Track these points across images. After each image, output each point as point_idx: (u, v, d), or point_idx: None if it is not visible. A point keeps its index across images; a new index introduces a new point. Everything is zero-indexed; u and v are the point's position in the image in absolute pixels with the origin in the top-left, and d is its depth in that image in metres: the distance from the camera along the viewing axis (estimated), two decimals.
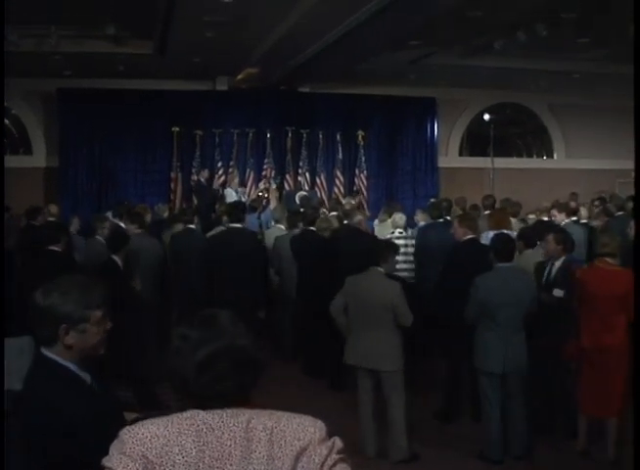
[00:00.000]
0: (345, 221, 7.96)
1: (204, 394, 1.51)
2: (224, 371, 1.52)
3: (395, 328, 4.82)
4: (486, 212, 8.51)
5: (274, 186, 13.37)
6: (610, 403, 4.76)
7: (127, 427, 1.48)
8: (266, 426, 1.48)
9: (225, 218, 7.73)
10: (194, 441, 1.44)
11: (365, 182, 14.54)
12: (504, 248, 4.92)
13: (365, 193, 14.46)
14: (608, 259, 4.82)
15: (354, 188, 14.32)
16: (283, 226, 7.93)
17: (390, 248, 5.33)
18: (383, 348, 4.81)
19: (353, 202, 10.44)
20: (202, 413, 1.49)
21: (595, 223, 8.64)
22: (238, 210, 6.60)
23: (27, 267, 5.45)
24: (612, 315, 4.71)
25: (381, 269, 4.99)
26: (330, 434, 1.53)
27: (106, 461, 1.45)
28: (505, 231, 6.74)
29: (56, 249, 5.63)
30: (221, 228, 7.66)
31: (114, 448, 1.46)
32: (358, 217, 6.59)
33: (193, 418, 1.48)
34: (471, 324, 4.91)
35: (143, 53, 11.24)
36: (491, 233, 6.64)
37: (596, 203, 10.91)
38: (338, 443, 1.51)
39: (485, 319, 4.77)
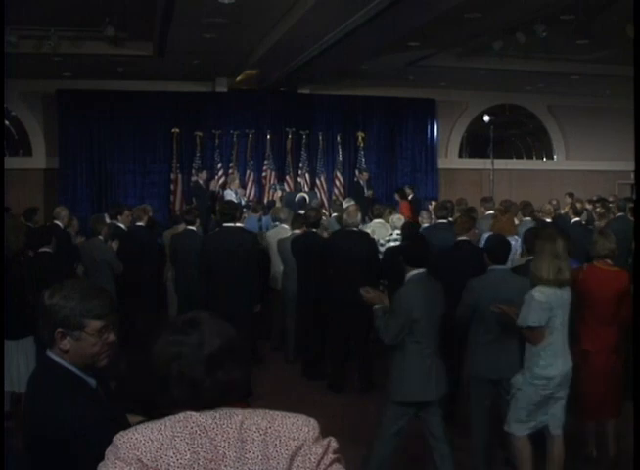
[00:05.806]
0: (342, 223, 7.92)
1: (212, 393, 1.51)
2: (228, 366, 1.54)
3: None
4: (488, 213, 8.50)
5: (279, 193, 13.37)
6: (612, 404, 4.73)
7: (121, 432, 1.47)
8: (260, 426, 1.47)
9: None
10: (188, 443, 1.43)
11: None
12: (498, 250, 4.68)
13: None
14: (607, 261, 4.82)
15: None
16: (287, 226, 7.86)
17: None
18: None
19: (352, 203, 10.40)
20: (195, 415, 1.48)
21: (598, 224, 8.60)
22: (231, 209, 6.56)
23: (23, 269, 5.48)
24: (611, 316, 4.70)
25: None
26: (327, 434, 1.53)
27: (101, 467, 1.44)
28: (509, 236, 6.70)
29: (48, 250, 5.69)
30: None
31: (108, 454, 1.45)
32: (353, 220, 6.59)
33: (186, 421, 1.47)
34: (460, 326, 4.72)
35: (142, 54, 11.25)
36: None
37: (596, 206, 10.85)
38: (333, 443, 1.51)
39: (477, 324, 4.57)
